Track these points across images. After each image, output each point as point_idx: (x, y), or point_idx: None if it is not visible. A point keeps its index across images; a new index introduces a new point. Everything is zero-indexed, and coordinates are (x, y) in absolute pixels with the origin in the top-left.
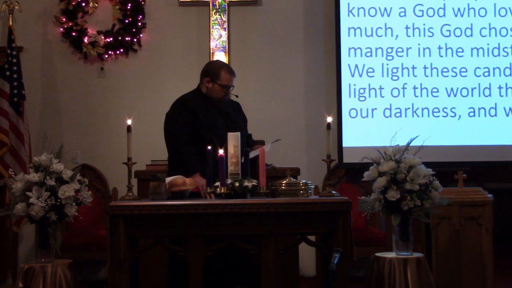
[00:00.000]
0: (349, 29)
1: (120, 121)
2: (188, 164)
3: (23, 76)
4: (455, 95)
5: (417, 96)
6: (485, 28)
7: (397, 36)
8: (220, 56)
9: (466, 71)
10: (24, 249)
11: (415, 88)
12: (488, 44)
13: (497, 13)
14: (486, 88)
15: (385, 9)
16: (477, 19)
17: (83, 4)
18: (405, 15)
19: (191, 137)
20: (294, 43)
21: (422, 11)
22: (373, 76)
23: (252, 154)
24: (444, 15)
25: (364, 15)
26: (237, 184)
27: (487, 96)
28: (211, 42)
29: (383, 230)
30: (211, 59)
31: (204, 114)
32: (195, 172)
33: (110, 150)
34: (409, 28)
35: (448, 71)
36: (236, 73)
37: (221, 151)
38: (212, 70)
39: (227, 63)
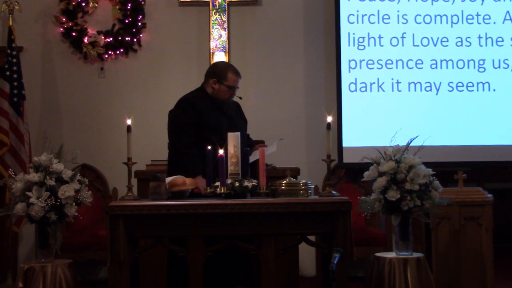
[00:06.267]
0: (349, 29)
1: (120, 121)
2: (191, 165)
3: (23, 76)
4: (456, 94)
5: (417, 96)
6: (491, 30)
7: (397, 35)
8: (220, 56)
9: (469, 68)
10: (24, 249)
11: (415, 87)
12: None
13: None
14: (487, 88)
15: (385, 9)
16: (482, 26)
17: (83, 4)
18: (405, 14)
19: (195, 138)
20: (294, 43)
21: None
22: (373, 76)
23: (252, 158)
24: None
25: (364, 15)
26: (237, 184)
27: (488, 96)
28: (211, 42)
29: (383, 230)
30: (211, 59)
31: (209, 115)
32: (197, 174)
33: (110, 150)
34: (409, 27)
35: (451, 69)
36: None
37: (221, 151)
38: (219, 71)
39: (233, 65)
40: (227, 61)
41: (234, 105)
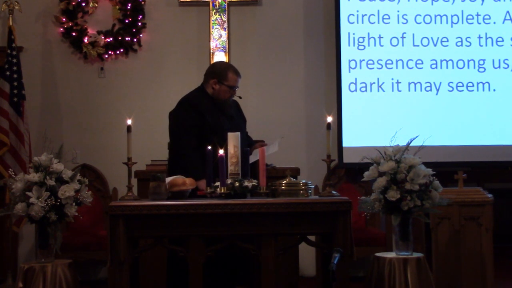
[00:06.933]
0: (349, 29)
1: (120, 121)
2: (195, 168)
3: (23, 76)
4: (456, 94)
5: (417, 96)
6: (491, 30)
7: (397, 35)
8: (220, 56)
9: (469, 68)
10: (24, 249)
11: (415, 87)
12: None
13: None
14: (487, 88)
15: (385, 9)
16: (482, 26)
17: (83, 4)
18: (405, 14)
19: (198, 139)
20: (294, 43)
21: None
22: (373, 76)
23: (252, 158)
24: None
25: (364, 15)
26: (237, 184)
27: (488, 96)
28: (211, 42)
29: (383, 230)
30: (211, 59)
31: (211, 116)
32: (201, 177)
33: (110, 150)
34: (409, 27)
35: (451, 69)
36: None
37: (221, 151)
38: (219, 71)
39: (233, 65)
40: (227, 61)
41: (234, 104)
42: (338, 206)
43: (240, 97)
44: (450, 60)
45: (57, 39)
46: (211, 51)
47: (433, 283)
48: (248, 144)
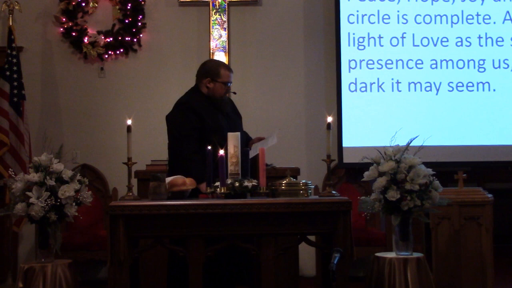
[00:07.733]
0: (349, 29)
1: (120, 121)
2: (197, 172)
3: (23, 76)
4: (456, 94)
5: (417, 96)
6: (491, 30)
7: (397, 35)
8: (220, 56)
9: (469, 68)
10: (24, 249)
11: (415, 87)
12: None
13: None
14: (487, 88)
15: (385, 9)
16: (482, 26)
17: (83, 4)
18: (405, 14)
19: (198, 141)
20: (294, 43)
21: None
22: (373, 76)
23: (251, 154)
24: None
25: (364, 15)
26: (237, 184)
27: (488, 96)
28: (211, 42)
29: (383, 230)
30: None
31: (209, 116)
32: (204, 181)
33: (110, 150)
34: (409, 24)
35: (451, 69)
36: (236, 74)
37: (221, 151)
38: (211, 69)
39: (223, 61)
40: (227, 61)
41: (229, 102)
42: (338, 206)
43: (234, 93)
44: (450, 60)
45: (57, 39)
46: (211, 51)
47: (433, 283)
48: (245, 140)
